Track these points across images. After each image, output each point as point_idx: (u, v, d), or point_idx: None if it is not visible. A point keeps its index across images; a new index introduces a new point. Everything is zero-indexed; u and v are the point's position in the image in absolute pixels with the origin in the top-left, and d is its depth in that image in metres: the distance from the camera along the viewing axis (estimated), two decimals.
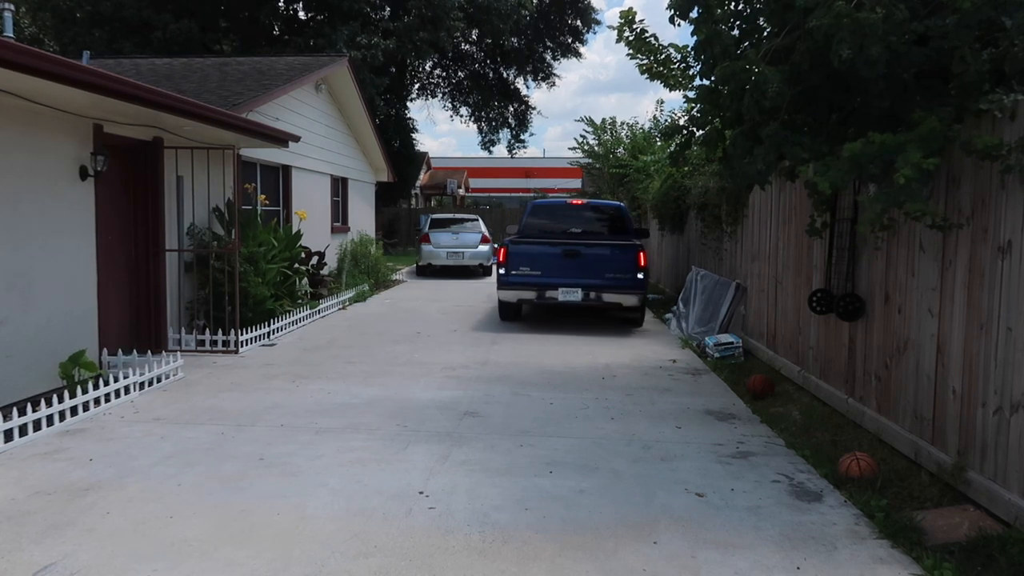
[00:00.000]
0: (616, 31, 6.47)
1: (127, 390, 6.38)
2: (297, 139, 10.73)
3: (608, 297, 9.98)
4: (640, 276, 9.93)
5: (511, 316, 11.25)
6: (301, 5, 26.03)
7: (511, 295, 10.44)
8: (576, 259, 10.11)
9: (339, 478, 4.57)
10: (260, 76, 12.69)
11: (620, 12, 6.38)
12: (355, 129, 17.06)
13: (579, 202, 12.55)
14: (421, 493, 4.35)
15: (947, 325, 4.47)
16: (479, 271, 19.18)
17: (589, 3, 32.06)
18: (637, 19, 6.40)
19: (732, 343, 8.46)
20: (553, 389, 7.00)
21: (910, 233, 4.94)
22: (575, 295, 9.99)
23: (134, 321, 8.13)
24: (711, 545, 3.74)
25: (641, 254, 9.98)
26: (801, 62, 4.78)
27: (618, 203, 12.70)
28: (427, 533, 3.82)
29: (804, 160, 5.01)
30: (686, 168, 11.18)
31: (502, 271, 10.37)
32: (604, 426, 5.83)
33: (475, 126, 34.97)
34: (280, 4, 25.35)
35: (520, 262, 10.29)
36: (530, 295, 10.29)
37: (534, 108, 37.21)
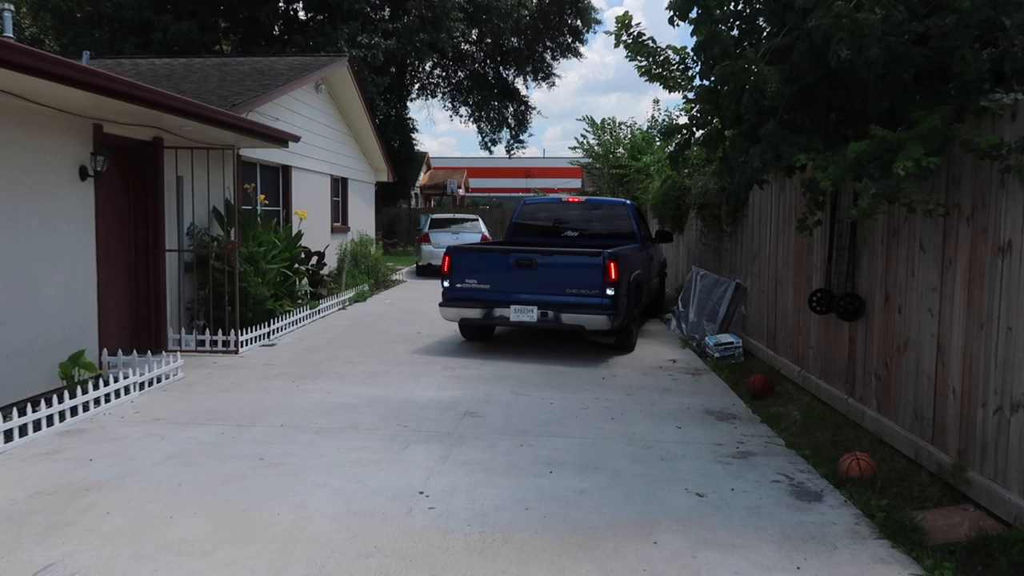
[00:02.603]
0: (614, 35, 6.48)
1: (127, 390, 6.38)
2: (297, 139, 10.73)
3: (568, 318, 8.12)
4: (610, 292, 8.05)
5: (474, 336, 9.45)
6: (301, 5, 26.03)
7: (453, 313, 8.69)
8: (532, 271, 8.33)
9: (339, 478, 4.57)
10: (260, 76, 12.69)
11: (616, 16, 6.39)
12: (355, 129, 17.06)
13: (576, 200, 10.98)
14: (421, 493, 4.34)
15: (947, 325, 4.47)
16: None
17: (589, 3, 32.05)
18: (635, 21, 6.42)
19: (732, 343, 8.46)
20: (553, 389, 7.00)
21: (910, 233, 4.94)
22: (530, 314, 8.23)
23: (134, 321, 8.13)
24: (711, 545, 3.74)
25: (611, 265, 8.04)
26: (800, 62, 4.79)
27: (623, 201, 11.25)
28: (427, 533, 3.82)
29: (800, 161, 5.01)
30: (686, 169, 11.13)
31: (446, 283, 8.70)
32: (604, 426, 5.83)
33: (475, 126, 35.01)
34: (280, 4, 25.35)
35: (467, 273, 8.59)
36: (475, 313, 8.53)
37: (534, 108, 37.25)
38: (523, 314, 8.28)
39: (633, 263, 8.94)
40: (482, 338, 9.53)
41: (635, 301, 8.91)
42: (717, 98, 5.44)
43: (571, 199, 11.10)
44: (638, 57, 6.52)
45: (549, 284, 8.28)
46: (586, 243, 10.01)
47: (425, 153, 38.77)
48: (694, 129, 6.30)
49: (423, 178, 40.68)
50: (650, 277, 10.51)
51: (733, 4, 5.49)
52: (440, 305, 8.78)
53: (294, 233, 11.03)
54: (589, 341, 9.48)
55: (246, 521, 3.93)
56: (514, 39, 30.89)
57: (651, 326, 11.09)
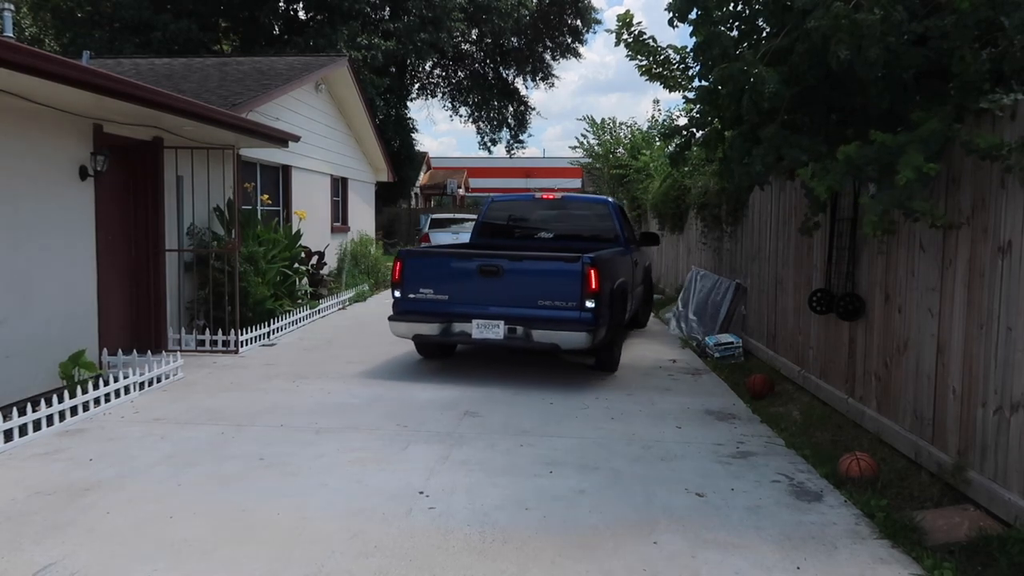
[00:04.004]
0: (615, 34, 6.48)
1: (127, 390, 6.38)
2: (297, 139, 10.74)
3: (540, 335, 6.86)
4: (590, 304, 6.81)
5: (431, 354, 8.25)
6: (301, 5, 26.05)
7: (404, 328, 7.33)
8: (498, 279, 7.06)
9: (339, 478, 4.57)
10: (260, 76, 12.69)
11: (617, 15, 6.39)
12: (355, 129, 17.06)
13: (550, 196, 9.60)
14: (421, 493, 4.35)
15: (947, 325, 4.47)
16: None
17: (589, 3, 32.08)
18: (635, 21, 6.41)
19: (732, 343, 8.46)
20: (553, 388, 7.00)
21: (910, 233, 4.93)
22: (495, 330, 6.98)
23: (134, 321, 8.13)
24: (711, 545, 3.74)
25: (592, 272, 6.79)
26: (800, 63, 4.78)
27: (604, 198, 9.89)
28: (427, 533, 3.82)
29: (803, 162, 5.01)
30: (686, 168, 11.12)
31: (397, 293, 7.41)
32: (604, 426, 5.83)
33: (475, 126, 35.05)
34: (280, 4, 25.36)
35: (421, 281, 7.30)
36: (431, 329, 7.19)
37: (533, 108, 37.34)
38: (487, 330, 7.03)
39: (617, 269, 7.83)
40: (441, 356, 8.36)
41: (619, 314, 7.77)
42: (716, 99, 5.44)
43: (546, 196, 9.76)
44: (639, 56, 6.52)
45: (518, 295, 7.04)
46: (562, 246, 8.61)
47: (425, 153, 38.81)
48: (694, 130, 6.30)
49: (423, 178, 40.69)
50: (635, 285, 9.37)
51: (732, 5, 5.48)
52: (389, 319, 7.44)
53: (294, 233, 11.03)
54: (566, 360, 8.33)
55: (246, 521, 3.93)
56: (514, 39, 30.92)
57: (651, 326, 11.09)
